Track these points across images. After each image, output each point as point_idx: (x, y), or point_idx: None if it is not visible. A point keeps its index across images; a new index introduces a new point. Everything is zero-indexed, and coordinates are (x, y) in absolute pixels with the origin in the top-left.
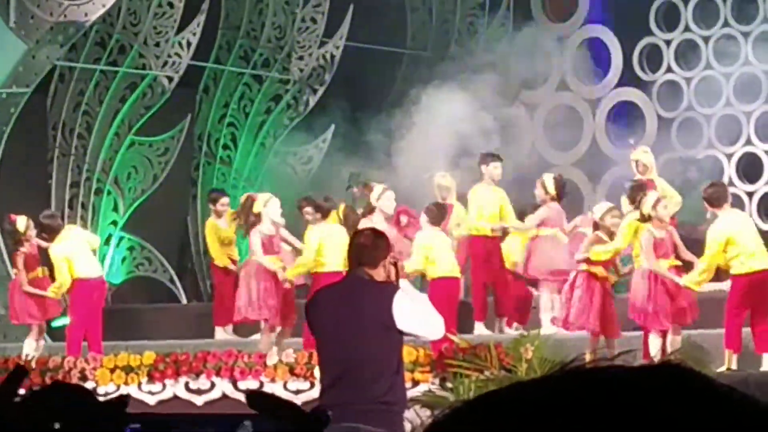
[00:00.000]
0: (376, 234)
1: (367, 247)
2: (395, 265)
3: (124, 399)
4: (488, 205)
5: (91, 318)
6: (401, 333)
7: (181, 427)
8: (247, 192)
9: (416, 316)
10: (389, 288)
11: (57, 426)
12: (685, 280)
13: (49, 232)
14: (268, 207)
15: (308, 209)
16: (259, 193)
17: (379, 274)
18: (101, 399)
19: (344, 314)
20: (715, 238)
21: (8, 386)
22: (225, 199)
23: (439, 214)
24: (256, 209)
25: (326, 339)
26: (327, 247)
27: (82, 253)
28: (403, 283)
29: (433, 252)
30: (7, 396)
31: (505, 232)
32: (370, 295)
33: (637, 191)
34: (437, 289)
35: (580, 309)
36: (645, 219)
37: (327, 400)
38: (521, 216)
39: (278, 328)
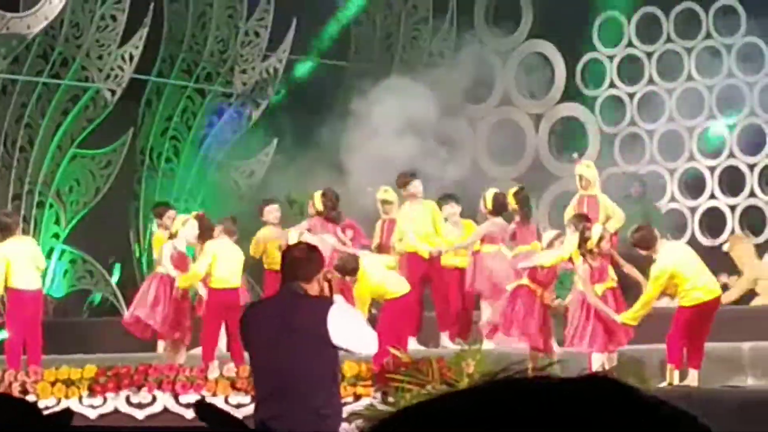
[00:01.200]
0: (311, 248)
1: (302, 261)
2: (329, 280)
3: (69, 412)
4: (421, 224)
5: (30, 331)
6: (335, 347)
7: None
8: (188, 205)
9: (350, 331)
10: (324, 302)
11: None
12: (622, 317)
13: (1, 229)
14: (186, 227)
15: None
16: (181, 215)
17: (313, 288)
18: (45, 413)
19: (280, 328)
20: (658, 276)
21: None
22: (171, 212)
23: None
24: (174, 228)
25: (261, 352)
26: (221, 262)
27: (24, 264)
28: (337, 298)
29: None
30: None
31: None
32: (305, 309)
33: (580, 221)
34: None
35: (520, 321)
36: (586, 251)
37: (263, 413)
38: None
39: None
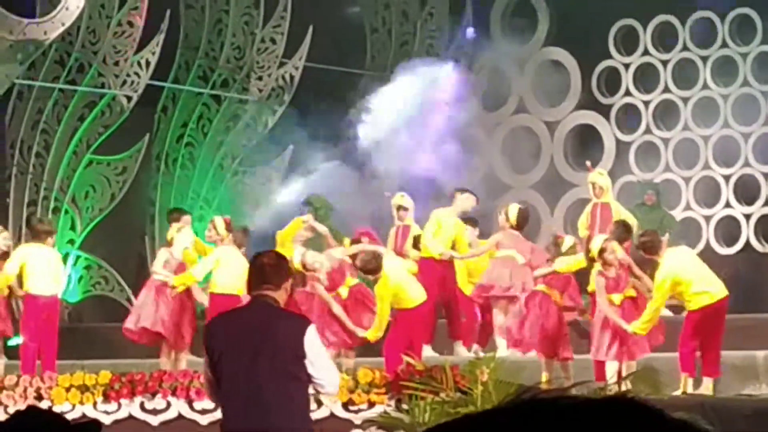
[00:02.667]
0: (279, 256)
1: (272, 268)
2: (291, 291)
3: (97, 424)
4: (447, 231)
5: (45, 336)
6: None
7: None
8: (203, 212)
9: (323, 360)
10: (303, 320)
11: None
12: (632, 326)
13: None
14: (181, 233)
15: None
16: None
17: (281, 296)
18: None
19: (254, 340)
20: (661, 283)
21: None
22: (187, 218)
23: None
24: (169, 236)
25: (232, 363)
26: (224, 268)
27: (42, 270)
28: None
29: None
30: None
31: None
32: (283, 324)
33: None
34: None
35: (534, 328)
36: (592, 260)
37: (233, 425)
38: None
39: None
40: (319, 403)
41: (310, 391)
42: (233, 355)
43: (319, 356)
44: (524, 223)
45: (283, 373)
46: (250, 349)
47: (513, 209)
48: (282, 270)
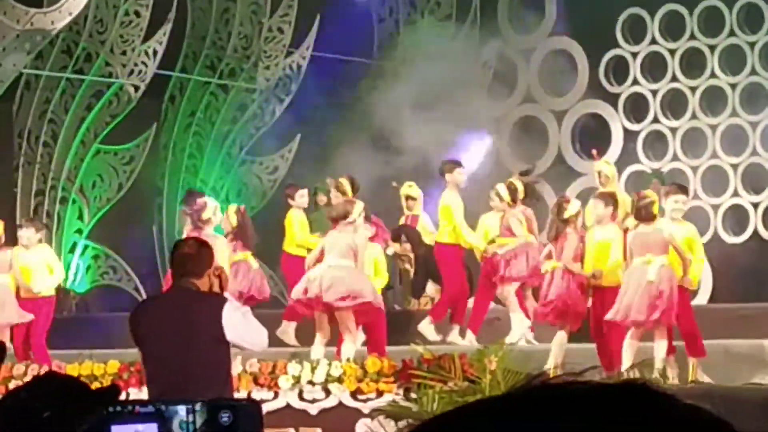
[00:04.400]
0: (201, 243)
1: (193, 257)
2: (219, 276)
3: (116, 388)
4: (461, 212)
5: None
6: (228, 344)
7: None
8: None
9: (244, 328)
10: (218, 299)
11: (47, 414)
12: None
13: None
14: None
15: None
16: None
17: (204, 284)
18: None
19: (174, 326)
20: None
21: None
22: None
23: None
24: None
25: (154, 350)
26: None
27: (39, 270)
28: (228, 296)
29: None
30: None
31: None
32: (199, 307)
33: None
34: None
35: (558, 305)
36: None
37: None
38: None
39: None
40: (327, 393)
41: None
42: (154, 340)
43: (239, 328)
44: (515, 195)
45: (205, 356)
46: (170, 333)
47: (501, 187)
48: (203, 258)
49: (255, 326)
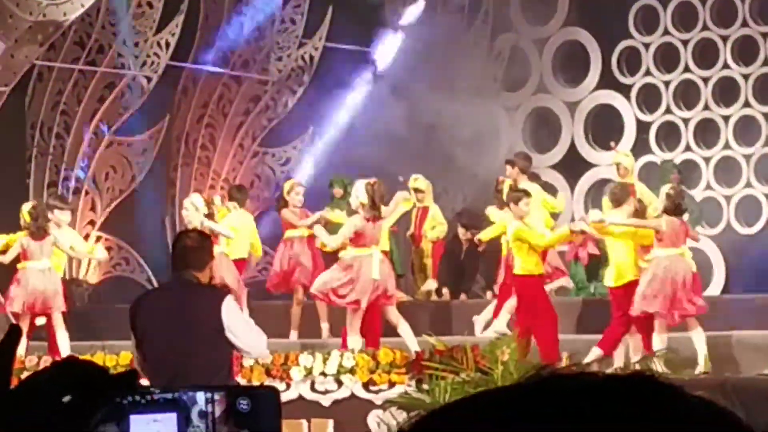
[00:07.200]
0: (203, 236)
1: (194, 249)
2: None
3: (135, 373)
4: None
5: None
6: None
7: None
8: (223, 192)
9: (242, 325)
10: (219, 292)
11: (66, 399)
12: None
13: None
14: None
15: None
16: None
17: (205, 276)
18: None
19: (174, 318)
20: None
21: (4, 348)
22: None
23: None
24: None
25: (155, 342)
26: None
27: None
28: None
29: None
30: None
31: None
32: (199, 299)
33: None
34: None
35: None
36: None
37: None
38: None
39: None
40: (340, 384)
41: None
42: (155, 333)
43: (238, 324)
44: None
45: (204, 348)
46: (170, 326)
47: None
48: (205, 250)
49: (254, 329)
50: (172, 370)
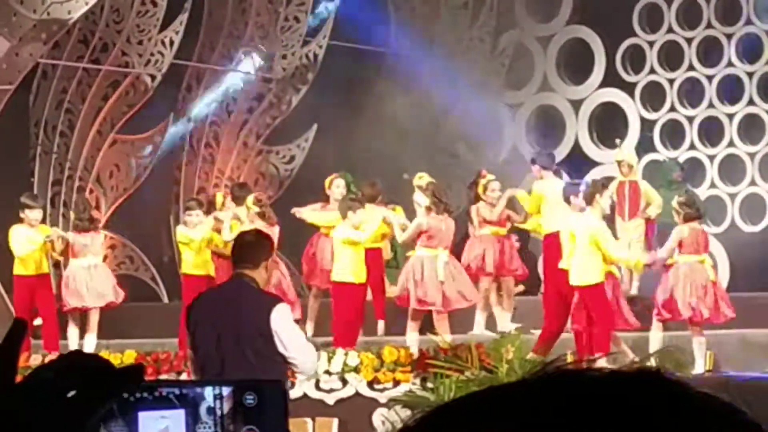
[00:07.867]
0: (262, 235)
1: (252, 246)
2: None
3: (141, 368)
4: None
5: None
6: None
7: None
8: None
9: (291, 336)
10: (270, 298)
11: (71, 394)
12: None
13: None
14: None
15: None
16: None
17: (260, 274)
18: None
19: (223, 315)
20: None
21: (9, 342)
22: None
23: None
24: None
25: (203, 337)
26: None
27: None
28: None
29: None
30: (9, 352)
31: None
32: (250, 300)
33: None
34: None
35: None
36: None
37: None
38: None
39: None
40: (344, 382)
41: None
42: (203, 331)
43: (288, 335)
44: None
45: (248, 349)
46: (218, 325)
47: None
48: (260, 248)
49: (305, 342)
50: (218, 368)
